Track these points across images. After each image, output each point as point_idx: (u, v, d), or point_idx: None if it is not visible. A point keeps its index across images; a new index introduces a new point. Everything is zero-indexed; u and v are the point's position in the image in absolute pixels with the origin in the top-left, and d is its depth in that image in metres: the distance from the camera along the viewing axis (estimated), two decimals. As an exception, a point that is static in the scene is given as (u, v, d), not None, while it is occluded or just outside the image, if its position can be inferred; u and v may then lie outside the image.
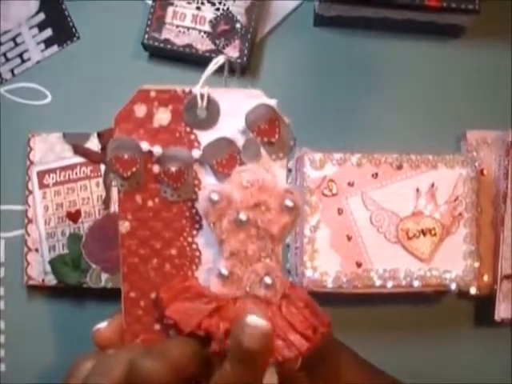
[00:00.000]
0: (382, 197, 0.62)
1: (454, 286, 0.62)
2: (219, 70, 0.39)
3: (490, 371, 0.68)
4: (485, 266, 0.65)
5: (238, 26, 0.67)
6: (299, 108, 0.70)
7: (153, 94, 0.39)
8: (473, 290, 0.63)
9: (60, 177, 0.66)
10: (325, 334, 0.40)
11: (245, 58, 0.67)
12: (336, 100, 0.70)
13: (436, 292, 0.65)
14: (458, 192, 0.63)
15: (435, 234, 0.62)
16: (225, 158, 0.39)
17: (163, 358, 0.37)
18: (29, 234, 0.66)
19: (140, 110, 0.39)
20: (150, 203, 0.39)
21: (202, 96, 0.38)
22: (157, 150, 0.39)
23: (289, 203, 0.38)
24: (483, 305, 0.67)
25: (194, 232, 0.40)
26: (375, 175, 0.62)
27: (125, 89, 0.68)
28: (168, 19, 0.67)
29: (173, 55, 0.68)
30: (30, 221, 0.66)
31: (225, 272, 0.39)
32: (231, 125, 0.39)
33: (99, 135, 0.66)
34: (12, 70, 0.70)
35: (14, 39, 0.70)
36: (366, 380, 0.55)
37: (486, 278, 0.65)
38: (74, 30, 0.70)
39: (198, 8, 0.67)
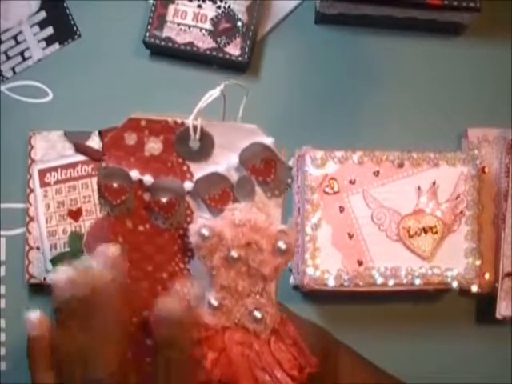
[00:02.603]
0: (384, 195, 0.62)
1: (455, 284, 0.62)
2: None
3: (491, 368, 0.68)
4: (486, 264, 0.65)
5: (239, 24, 0.67)
6: (300, 106, 0.70)
7: (143, 123, 0.38)
8: (474, 288, 0.63)
9: (61, 175, 0.66)
10: (311, 375, 0.40)
11: (246, 56, 0.67)
12: (337, 98, 0.70)
13: (437, 290, 0.65)
14: (459, 190, 0.63)
15: (436, 232, 0.62)
16: (217, 193, 0.39)
17: None
18: (30, 233, 0.66)
19: (130, 139, 0.38)
20: (140, 228, 0.39)
21: (194, 128, 0.38)
22: (147, 179, 0.38)
23: (282, 246, 0.38)
24: (484, 303, 0.67)
25: (186, 259, 0.40)
26: (376, 173, 0.62)
27: (126, 87, 0.69)
28: (169, 17, 0.67)
29: (174, 53, 0.68)
30: (32, 219, 0.66)
31: (214, 303, 0.39)
32: (225, 159, 0.38)
33: (100, 133, 0.66)
34: (13, 68, 0.70)
35: (15, 37, 0.70)
36: (365, 381, 0.55)
37: (487, 275, 0.65)
38: (75, 28, 0.70)
39: (200, 6, 0.67)
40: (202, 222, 0.38)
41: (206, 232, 0.38)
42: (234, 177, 0.38)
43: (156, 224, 0.39)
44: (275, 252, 0.38)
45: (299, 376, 0.40)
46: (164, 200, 0.38)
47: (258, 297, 0.39)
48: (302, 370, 0.40)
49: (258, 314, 0.39)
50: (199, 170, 0.39)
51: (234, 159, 0.38)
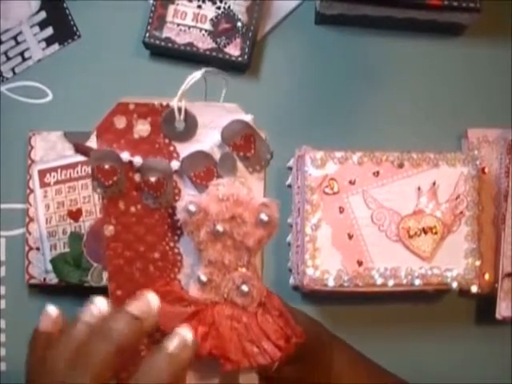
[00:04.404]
0: (384, 195, 0.62)
1: (455, 285, 0.62)
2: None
3: (491, 369, 0.68)
4: (486, 265, 0.65)
5: (239, 24, 0.67)
6: (300, 106, 0.70)
7: (132, 106, 0.40)
8: (474, 289, 0.63)
9: (61, 175, 0.66)
10: (297, 344, 0.41)
11: (246, 57, 0.67)
12: (337, 98, 0.70)
13: (437, 290, 0.65)
14: (459, 190, 0.63)
15: (436, 233, 0.62)
16: (202, 170, 0.40)
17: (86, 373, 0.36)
18: (30, 233, 0.66)
19: (120, 122, 0.40)
20: (132, 209, 0.41)
21: (179, 109, 0.40)
22: (137, 160, 0.40)
23: (264, 217, 0.39)
24: (484, 303, 0.67)
25: (176, 238, 0.41)
26: (376, 173, 0.62)
27: (126, 87, 0.69)
28: (169, 18, 0.67)
29: (174, 54, 0.68)
30: (31, 219, 0.66)
31: (203, 279, 0.41)
32: (208, 138, 0.40)
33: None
34: (13, 69, 0.70)
35: (15, 38, 0.70)
36: (363, 377, 0.56)
37: (487, 276, 0.65)
38: (75, 28, 0.70)
39: (199, 6, 0.67)
40: (188, 199, 0.40)
41: (192, 208, 0.39)
42: (216, 154, 0.40)
43: (147, 204, 0.41)
44: (258, 224, 0.40)
45: (286, 346, 0.41)
46: (153, 179, 0.40)
47: (244, 270, 0.41)
48: (289, 339, 0.41)
49: (245, 288, 0.41)
50: (185, 150, 0.40)
51: (216, 137, 0.40)
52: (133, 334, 0.37)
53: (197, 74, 0.40)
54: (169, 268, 0.42)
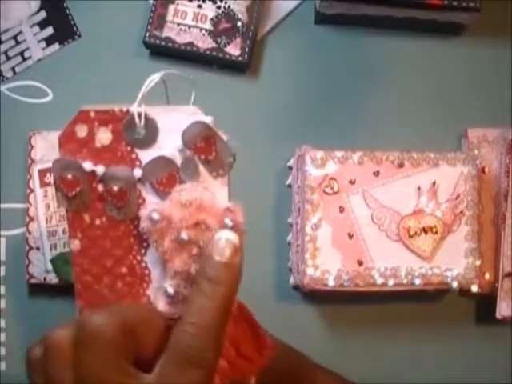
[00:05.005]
0: (384, 195, 0.62)
1: (455, 284, 0.62)
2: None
3: (491, 369, 0.68)
4: (486, 264, 0.65)
5: (239, 24, 0.67)
6: (301, 106, 0.70)
7: (92, 114, 0.39)
8: (474, 288, 0.63)
9: (61, 175, 0.66)
10: (269, 356, 0.40)
11: (246, 56, 0.67)
12: (337, 98, 0.70)
13: (437, 290, 0.65)
14: (459, 190, 0.63)
15: (436, 232, 0.62)
16: (165, 176, 0.39)
17: (113, 315, 0.35)
18: (30, 233, 0.66)
19: (81, 131, 0.39)
20: (97, 222, 0.40)
21: (139, 115, 0.39)
22: (99, 169, 0.39)
23: (228, 222, 0.38)
24: (484, 303, 0.67)
25: (143, 250, 0.40)
26: (377, 173, 0.62)
27: (126, 87, 0.68)
28: (169, 17, 0.67)
29: (174, 53, 0.68)
30: (32, 219, 0.66)
31: (170, 291, 0.39)
32: (170, 143, 0.39)
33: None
34: (13, 68, 0.70)
35: (15, 37, 0.70)
36: None
37: (487, 275, 0.65)
38: (75, 28, 0.70)
39: (200, 6, 0.67)
40: (151, 207, 0.38)
41: (155, 216, 0.38)
42: (178, 159, 0.39)
43: (112, 216, 0.39)
44: (223, 229, 0.38)
45: (259, 358, 0.40)
46: (115, 188, 0.39)
47: None
48: (261, 351, 0.40)
49: None
50: (147, 156, 0.39)
51: (177, 141, 0.39)
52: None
53: (156, 77, 0.39)
54: (137, 283, 0.40)
